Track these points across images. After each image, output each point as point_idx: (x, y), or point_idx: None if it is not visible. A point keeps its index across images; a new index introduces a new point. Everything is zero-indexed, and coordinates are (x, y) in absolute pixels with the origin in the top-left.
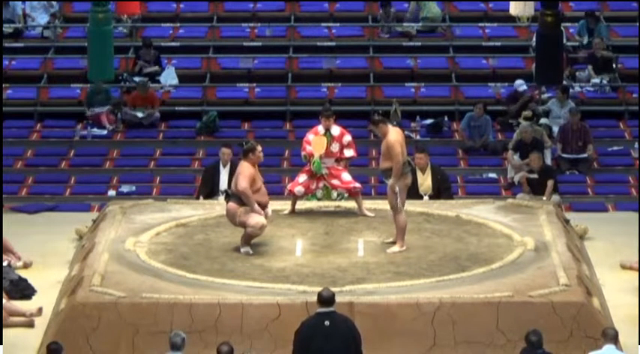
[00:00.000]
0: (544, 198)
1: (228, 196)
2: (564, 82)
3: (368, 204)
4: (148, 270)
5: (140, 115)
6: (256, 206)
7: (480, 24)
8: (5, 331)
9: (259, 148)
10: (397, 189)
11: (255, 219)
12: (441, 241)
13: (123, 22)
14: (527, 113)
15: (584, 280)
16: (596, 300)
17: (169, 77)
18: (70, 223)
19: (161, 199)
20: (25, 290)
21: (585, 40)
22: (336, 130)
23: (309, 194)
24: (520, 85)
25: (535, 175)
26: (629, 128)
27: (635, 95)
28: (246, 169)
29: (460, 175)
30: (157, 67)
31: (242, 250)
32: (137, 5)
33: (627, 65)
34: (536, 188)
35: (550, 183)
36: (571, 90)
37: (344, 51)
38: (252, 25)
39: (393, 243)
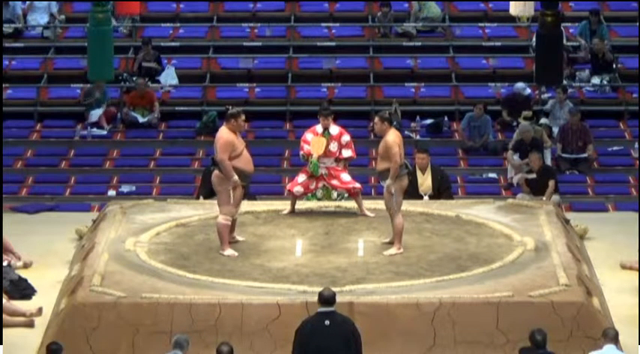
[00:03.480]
0: (544, 198)
1: (215, 164)
2: (564, 82)
3: (368, 204)
4: (148, 270)
5: (141, 120)
6: (235, 177)
7: (480, 24)
8: (5, 331)
9: (243, 116)
10: (393, 190)
11: (224, 210)
12: (441, 241)
13: (122, 22)
14: (527, 113)
15: (584, 280)
16: (596, 300)
17: (169, 77)
18: (70, 223)
19: (161, 199)
20: (25, 290)
21: (586, 41)
22: (334, 129)
23: (308, 194)
24: (523, 88)
25: (533, 176)
26: (629, 128)
27: (635, 95)
28: (224, 134)
29: (460, 175)
30: (155, 64)
31: (225, 253)
32: (137, 5)
33: (627, 65)
34: (535, 189)
35: (551, 183)
36: (571, 90)
37: (344, 51)
38: (252, 25)
39: (391, 243)
